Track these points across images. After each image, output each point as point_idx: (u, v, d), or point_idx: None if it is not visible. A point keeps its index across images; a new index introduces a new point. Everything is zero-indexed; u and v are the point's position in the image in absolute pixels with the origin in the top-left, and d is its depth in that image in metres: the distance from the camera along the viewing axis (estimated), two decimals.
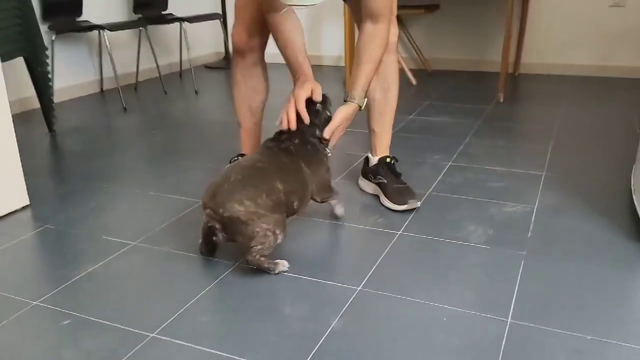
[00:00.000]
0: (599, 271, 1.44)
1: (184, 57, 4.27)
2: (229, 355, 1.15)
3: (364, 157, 2.01)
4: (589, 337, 1.19)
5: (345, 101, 1.63)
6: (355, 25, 1.87)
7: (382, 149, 1.92)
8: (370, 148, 1.95)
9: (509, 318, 1.26)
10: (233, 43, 1.85)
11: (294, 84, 1.60)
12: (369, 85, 1.67)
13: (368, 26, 1.66)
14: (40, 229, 1.76)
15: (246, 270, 1.47)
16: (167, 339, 1.21)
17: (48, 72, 2.70)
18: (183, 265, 1.52)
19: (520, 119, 2.95)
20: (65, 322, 1.28)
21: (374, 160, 1.92)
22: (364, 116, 1.91)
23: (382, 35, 1.68)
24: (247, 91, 1.90)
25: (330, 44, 4.46)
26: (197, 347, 1.18)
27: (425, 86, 3.70)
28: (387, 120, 1.94)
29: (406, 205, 1.79)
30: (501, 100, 3.23)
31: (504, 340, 1.18)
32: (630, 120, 2.75)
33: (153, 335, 1.23)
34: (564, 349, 1.15)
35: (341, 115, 1.60)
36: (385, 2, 1.64)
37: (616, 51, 3.75)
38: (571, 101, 3.19)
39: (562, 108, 3.04)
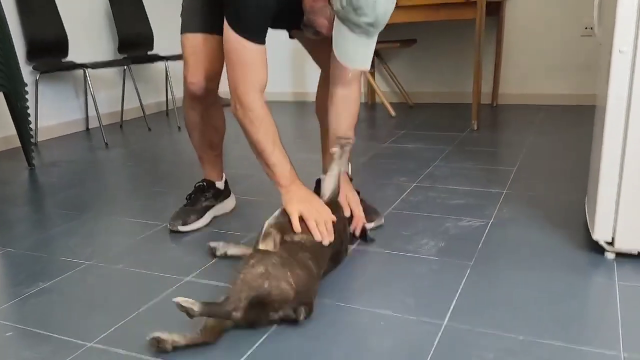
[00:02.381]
0: (543, 277, 1.45)
1: (170, 95, 4.37)
2: None
3: (315, 179, 1.99)
4: (521, 337, 1.19)
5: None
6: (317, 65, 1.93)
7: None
8: (324, 169, 1.98)
9: (445, 321, 1.26)
10: (190, 90, 1.77)
11: (281, 185, 1.53)
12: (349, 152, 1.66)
13: (339, 91, 1.67)
14: (2, 251, 1.79)
15: (193, 286, 1.49)
16: (105, 347, 1.22)
17: (27, 107, 2.78)
18: (132, 281, 1.53)
19: (490, 144, 2.99)
20: (7, 334, 1.30)
21: None
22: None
23: (356, 96, 1.70)
24: (208, 130, 1.90)
25: (314, 80, 4.56)
26: (135, 354, 1.19)
27: (404, 118, 3.76)
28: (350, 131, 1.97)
29: (372, 224, 1.81)
30: (475, 128, 3.28)
31: (436, 341, 1.19)
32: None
33: (90, 344, 1.24)
34: (494, 349, 1.16)
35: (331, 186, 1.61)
36: (356, 69, 1.60)
37: (588, 80, 3.83)
38: (543, 128, 3.24)
39: (533, 135, 3.09)
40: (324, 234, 1.42)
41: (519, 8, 3.89)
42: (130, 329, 1.29)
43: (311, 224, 1.41)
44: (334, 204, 1.58)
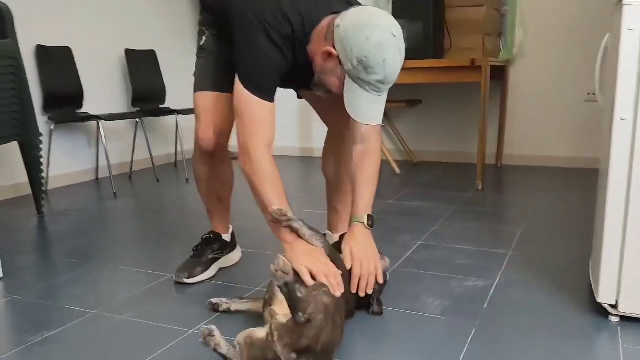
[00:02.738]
0: (547, 341, 1.45)
1: (179, 147, 4.45)
2: None
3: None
4: None
5: (351, 224, 1.66)
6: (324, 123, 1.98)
7: (343, 226, 1.96)
8: (330, 225, 2.01)
9: None
10: (201, 146, 1.81)
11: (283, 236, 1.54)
12: (372, 202, 1.69)
13: (359, 147, 1.68)
14: (8, 298, 1.80)
15: (198, 338, 1.49)
16: None
17: (40, 157, 2.84)
18: (136, 332, 1.53)
19: (495, 205, 3.02)
20: None
21: (335, 237, 1.97)
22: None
23: (375, 151, 1.70)
24: (216, 184, 1.94)
25: (320, 136, 4.64)
26: None
27: (408, 175, 3.81)
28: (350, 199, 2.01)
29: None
30: (479, 188, 3.32)
31: None
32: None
33: None
34: None
35: (349, 244, 1.61)
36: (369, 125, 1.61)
37: (590, 143, 3.89)
38: (547, 190, 3.27)
39: (537, 196, 3.12)
40: (335, 286, 1.43)
41: (522, 73, 4.01)
42: None
43: (321, 278, 1.42)
44: (337, 259, 1.58)
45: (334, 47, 1.43)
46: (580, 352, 1.39)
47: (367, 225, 1.65)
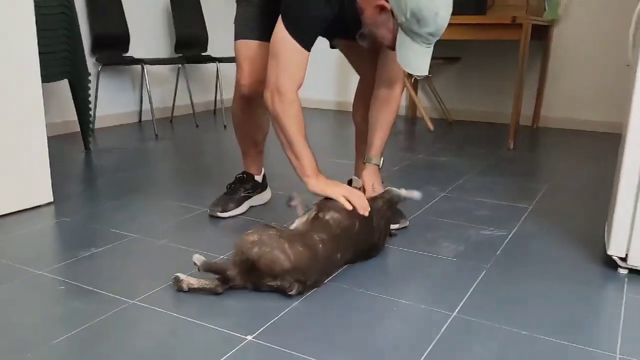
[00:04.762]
0: (554, 284, 1.53)
1: (219, 96, 4.58)
2: (197, 322, 1.30)
3: (348, 180, 2.12)
4: (524, 332, 1.28)
5: (365, 164, 1.87)
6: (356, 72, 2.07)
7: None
8: (357, 172, 2.10)
9: (454, 312, 1.36)
10: (241, 91, 1.91)
11: (305, 174, 1.68)
12: (384, 147, 1.88)
13: (383, 92, 1.83)
14: (58, 220, 1.98)
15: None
16: (147, 305, 1.37)
17: (88, 96, 3.00)
18: (173, 254, 1.68)
19: (524, 163, 3.05)
20: (60, 288, 1.46)
21: (360, 182, 2.07)
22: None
23: (397, 99, 1.86)
24: (252, 128, 2.06)
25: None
26: (175, 314, 1.33)
27: (442, 133, 3.85)
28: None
29: (398, 225, 1.91)
30: (511, 147, 3.34)
31: (443, 329, 1.29)
32: None
33: (133, 302, 1.39)
34: (497, 339, 1.25)
35: (370, 179, 1.83)
36: (401, 68, 1.72)
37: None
38: (579, 153, 3.27)
39: (568, 158, 3.13)
40: (365, 208, 1.60)
41: (566, 35, 3.94)
42: (168, 292, 1.44)
43: (354, 200, 1.59)
44: (383, 203, 1.73)
45: (387, 1, 1.48)
46: (585, 296, 1.47)
47: (379, 168, 1.86)
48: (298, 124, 1.64)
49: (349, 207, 1.58)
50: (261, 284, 1.42)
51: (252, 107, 1.98)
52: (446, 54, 4.11)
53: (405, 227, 1.93)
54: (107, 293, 1.43)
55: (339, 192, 1.61)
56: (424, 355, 1.18)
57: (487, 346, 1.22)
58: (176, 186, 2.45)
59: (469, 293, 1.47)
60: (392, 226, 1.86)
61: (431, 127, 3.92)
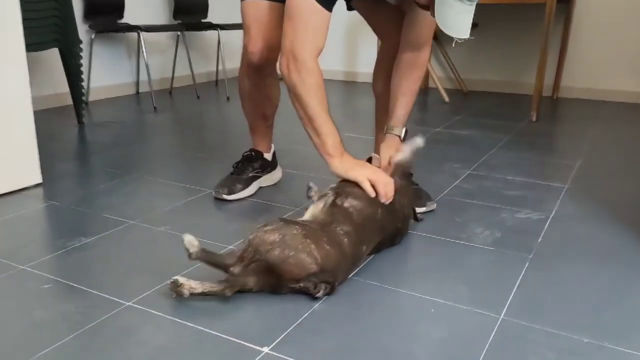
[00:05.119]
0: (608, 277, 1.34)
1: (221, 66, 4.34)
2: (196, 326, 1.12)
3: (366, 158, 1.93)
4: (585, 340, 1.09)
5: (385, 134, 1.66)
6: (379, 39, 1.86)
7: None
8: (376, 146, 1.90)
9: (502, 315, 1.17)
10: (249, 59, 1.71)
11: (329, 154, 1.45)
12: (407, 117, 1.68)
13: (408, 55, 1.63)
14: (47, 204, 1.78)
15: None
16: (144, 308, 1.18)
17: (80, 66, 2.78)
18: (174, 244, 1.49)
19: (550, 137, 2.84)
20: (46, 286, 1.27)
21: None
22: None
23: (423, 65, 1.66)
24: (261, 100, 1.85)
25: (364, 60, 4.45)
26: (177, 319, 1.15)
27: (458, 104, 3.63)
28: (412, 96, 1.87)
29: (424, 208, 1.72)
30: (534, 119, 3.12)
31: (492, 335, 1.10)
32: None
33: (129, 304, 1.20)
34: (555, 348, 1.06)
35: (388, 152, 1.61)
36: (430, 30, 1.59)
37: None
38: (607, 125, 3.06)
39: (597, 130, 2.92)
40: (390, 195, 1.40)
41: None
42: (169, 291, 1.25)
43: (379, 187, 1.39)
44: (401, 175, 1.54)
45: None
46: None
47: (402, 140, 1.64)
48: (319, 96, 1.42)
49: (372, 194, 1.39)
50: (280, 287, 1.22)
51: (262, 77, 1.77)
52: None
53: (433, 210, 1.74)
54: (98, 293, 1.24)
55: (364, 176, 1.41)
56: None
57: (545, 357, 1.04)
58: (177, 165, 2.25)
59: (514, 290, 1.28)
60: (419, 209, 1.67)
61: (446, 98, 3.70)
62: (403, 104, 1.66)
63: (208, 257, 1.22)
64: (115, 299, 1.22)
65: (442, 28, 1.30)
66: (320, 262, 1.19)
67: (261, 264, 1.19)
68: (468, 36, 1.32)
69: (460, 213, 1.74)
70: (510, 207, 1.79)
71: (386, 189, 1.40)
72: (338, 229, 1.28)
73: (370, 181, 1.40)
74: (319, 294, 1.20)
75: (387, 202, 1.40)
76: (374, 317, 1.17)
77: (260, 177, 1.92)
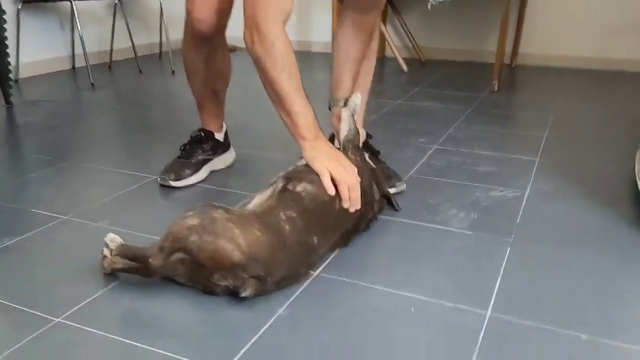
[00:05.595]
0: (595, 261, 1.24)
1: (164, 36, 4.05)
2: (140, 345, 0.94)
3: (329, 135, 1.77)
4: (583, 337, 0.98)
5: (330, 109, 1.51)
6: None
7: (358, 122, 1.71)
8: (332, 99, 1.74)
9: (489, 311, 1.05)
10: (195, 28, 1.51)
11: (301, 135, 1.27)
12: (353, 86, 1.52)
13: (355, 17, 1.47)
14: None
15: None
16: (76, 325, 1.00)
17: (5, 39, 2.48)
18: None
19: (514, 107, 2.75)
20: None
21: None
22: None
23: (371, 29, 1.51)
24: (211, 75, 1.65)
25: (318, 30, 4.25)
26: (109, 335, 0.97)
27: (417, 74, 3.49)
28: (364, 94, 1.73)
29: (394, 189, 1.57)
30: (495, 88, 3.02)
31: (481, 336, 0.98)
32: (630, 112, 2.55)
33: (59, 320, 1.01)
34: (552, 349, 0.95)
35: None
36: None
37: (616, 43, 3.56)
38: (569, 92, 2.99)
39: (560, 98, 2.84)
40: (354, 202, 1.20)
41: None
42: (108, 302, 1.07)
43: (342, 189, 1.18)
44: (356, 156, 1.35)
45: None
46: (634, 273, 1.19)
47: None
48: (288, 70, 1.23)
49: (331, 191, 1.19)
50: (211, 286, 1.06)
51: (210, 48, 1.57)
52: None
53: (402, 191, 1.60)
54: (22, 307, 1.05)
55: (326, 169, 1.21)
56: None
57: (543, 358, 0.92)
58: (118, 148, 2.03)
59: (498, 281, 1.16)
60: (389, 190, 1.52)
61: (404, 67, 3.55)
62: (350, 72, 1.51)
63: (128, 252, 1.10)
64: (41, 314, 1.03)
65: None
66: (246, 250, 1.02)
67: (183, 259, 1.05)
68: None
69: (432, 193, 1.61)
70: (483, 185, 1.67)
71: (351, 193, 1.22)
72: (280, 213, 1.11)
73: (333, 179, 1.21)
74: (246, 292, 1.02)
75: (351, 209, 1.22)
76: (348, 322, 1.02)
77: (212, 160, 1.73)
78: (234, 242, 1.02)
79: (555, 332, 0.99)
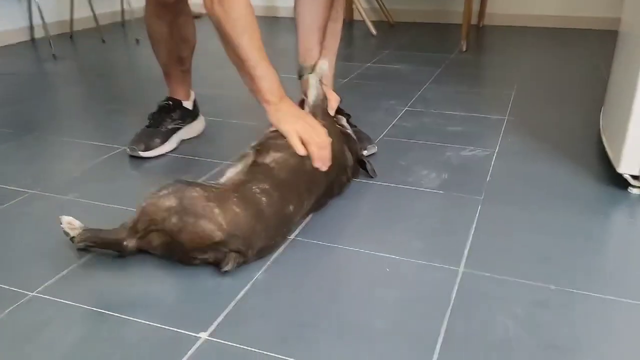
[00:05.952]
0: (565, 217, 1.27)
1: (127, 5, 3.93)
2: (118, 315, 0.94)
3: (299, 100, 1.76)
4: (552, 287, 1.01)
5: (301, 76, 1.44)
6: None
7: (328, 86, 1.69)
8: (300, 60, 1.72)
9: (461, 267, 1.07)
10: None
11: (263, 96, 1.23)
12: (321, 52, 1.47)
13: None
14: None
15: None
16: (50, 298, 0.99)
17: None
18: (85, 215, 1.27)
19: (482, 67, 2.77)
20: None
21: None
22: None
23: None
24: (175, 42, 1.61)
25: None
26: (85, 306, 0.97)
27: (385, 37, 3.47)
28: (331, 57, 1.71)
29: (365, 152, 1.57)
30: (464, 49, 3.03)
31: (454, 292, 1.00)
32: (596, 69, 2.59)
33: (33, 294, 1.00)
34: (523, 300, 0.98)
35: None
36: None
37: (583, 1, 3.58)
38: (536, 51, 3.02)
39: (527, 57, 2.87)
40: (325, 160, 1.19)
41: None
42: (82, 275, 1.06)
43: (312, 149, 1.18)
44: (326, 120, 1.34)
45: None
46: (601, 228, 1.23)
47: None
48: (249, 32, 1.20)
49: (301, 152, 1.17)
50: (189, 260, 1.06)
51: (174, 14, 1.54)
52: None
53: (374, 153, 1.61)
54: None
55: (294, 129, 1.19)
56: (438, 348, 0.89)
57: (512, 312, 0.95)
58: (84, 120, 1.99)
59: (470, 237, 1.18)
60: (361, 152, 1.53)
61: (373, 31, 3.53)
62: (316, 39, 1.46)
63: (97, 239, 1.08)
64: (15, 289, 1.01)
65: None
66: (227, 228, 1.02)
67: (159, 235, 1.03)
68: None
69: (403, 155, 1.62)
70: (453, 145, 1.69)
71: (320, 152, 1.19)
72: (254, 187, 1.11)
73: (302, 139, 1.19)
74: (228, 267, 1.03)
75: (323, 168, 1.20)
76: (324, 284, 1.04)
77: (181, 128, 1.71)
78: (215, 221, 1.02)
79: (525, 284, 1.02)
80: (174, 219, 1.02)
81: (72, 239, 1.08)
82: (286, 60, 2.64)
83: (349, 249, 1.14)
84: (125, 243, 1.05)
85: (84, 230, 1.08)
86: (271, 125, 1.27)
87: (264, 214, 1.08)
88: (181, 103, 1.70)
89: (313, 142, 1.17)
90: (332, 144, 1.23)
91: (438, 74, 2.53)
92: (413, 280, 1.04)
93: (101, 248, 1.10)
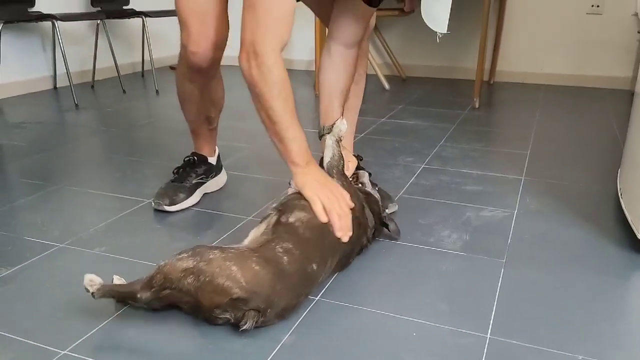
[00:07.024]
0: (587, 281, 1.28)
1: (147, 56, 4.05)
2: None
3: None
4: (580, 358, 1.01)
5: (322, 135, 1.48)
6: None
7: (347, 147, 1.73)
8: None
9: (489, 334, 1.08)
10: (191, 61, 1.50)
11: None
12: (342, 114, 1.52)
13: (343, 51, 1.48)
14: None
15: None
16: (82, 357, 1.00)
17: None
18: (112, 270, 1.30)
19: (496, 124, 2.82)
20: None
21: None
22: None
23: (354, 61, 1.52)
24: (205, 104, 1.66)
25: (300, 47, 4.29)
26: None
27: (398, 91, 3.55)
28: (353, 115, 1.76)
29: (387, 210, 1.60)
30: (476, 105, 3.09)
31: (483, 359, 1.00)
32: (609, 129, 2.64)
33: (65, 352, 1.01)
34: None
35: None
36: (363, 29, 1.46)
37: (593, 60, 3.67)
38: (548, 109, 3.08)
39: (539, 115, 2.92)
40: (346, 230, 1.21)
41: None
42: (113, 333, 1.07)
43: (333, 217, 1.20)
44: (342, 182, 1.37)
45: None
46: (628, 296, 1.23)
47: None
48: (283, 96, 1.25)
49: (323, 218, 1.21)
50: (212, 319, 1.07)
51: (206, 79, 1.58)
52: (398, 5, 3.77)
53: (394, 211, 1.63)
54: (25, 340, 1.05)
55: (317, 196, 1.23)
56: None
57: None
58: (107, 171, 2.03)
59: (495, 302, 1.19)
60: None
61: (386, 85, 3.61)
62: (339, 101, 1.50)
63: (112, 290, 1.11)
64: (46, 346, 1.03)
65: (426, 22, 1.20)
66: (245, 286, 1.03)
67: (182, 294, 1.05)
68: (446, 31, 1.23)
69: (423, 214, 1.64)
70: (472, 205, 1.71)
71: (341, 222, 1.22)
72: (277, 247, 1.12)
73: (323, 205, 1.22)
74: (246, 325, 1.03)
75: (344, 238, 1.22)
76: (352, 348, 1.04)
77: (205, 182, 1.74)
78: (232, 278, 1.03)
79: (553, 354, 1.02)
80: (189, 279, 1.03)
81: (92, 294, 1.09)
82: (300, 114, 2.69)
83: (376, 312, 1.15)
84: (139, 295, 1.08)
85: (102, 285, 1.10)
86: (290, 184, 1.30)
87: (285, 273, 1.09)
88: (206, 159, 1.74)
89: (334, 210, 1.20)
90: (352, 209, 1.26)
91: (452, 131, 2.57)
92: (441, 346, 1.05)
93: (118, 300, 1.13)
